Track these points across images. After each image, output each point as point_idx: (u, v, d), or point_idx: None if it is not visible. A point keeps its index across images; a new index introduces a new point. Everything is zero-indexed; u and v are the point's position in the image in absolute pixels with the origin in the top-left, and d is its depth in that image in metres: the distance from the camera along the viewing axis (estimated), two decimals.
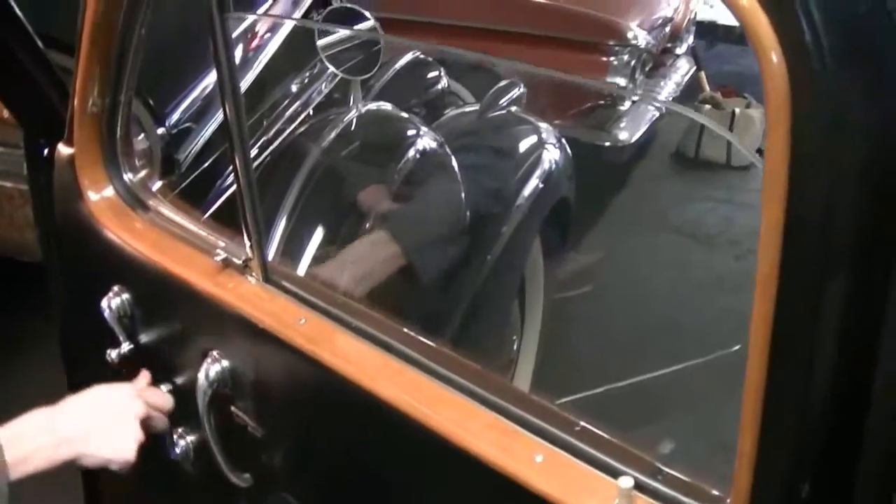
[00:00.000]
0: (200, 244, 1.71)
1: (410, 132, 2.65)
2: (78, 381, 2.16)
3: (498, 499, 1.23)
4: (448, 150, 2.72)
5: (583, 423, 1.22)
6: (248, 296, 1.56)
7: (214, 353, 1.60)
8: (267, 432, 1.59)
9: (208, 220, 1.87)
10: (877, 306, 0.81)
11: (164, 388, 1.78)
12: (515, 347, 3.22)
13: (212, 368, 1.59)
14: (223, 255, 1.61)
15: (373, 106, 2.71)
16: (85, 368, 2.12)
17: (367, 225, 2.39)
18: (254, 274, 1.59)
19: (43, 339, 2.47)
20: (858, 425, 0.86)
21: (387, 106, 2.81)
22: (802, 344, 0.86)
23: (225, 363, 1.59)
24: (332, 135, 2.50)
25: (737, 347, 1.28)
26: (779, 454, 0.93)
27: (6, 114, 2.11)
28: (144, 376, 1.77)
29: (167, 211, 1.83)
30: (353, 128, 2.57)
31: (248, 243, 1.58)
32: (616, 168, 5.30)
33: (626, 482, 1.09)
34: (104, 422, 1.60)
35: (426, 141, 2.65)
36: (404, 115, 2.78)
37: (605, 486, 1.12)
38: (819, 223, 0.80)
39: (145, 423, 1.66)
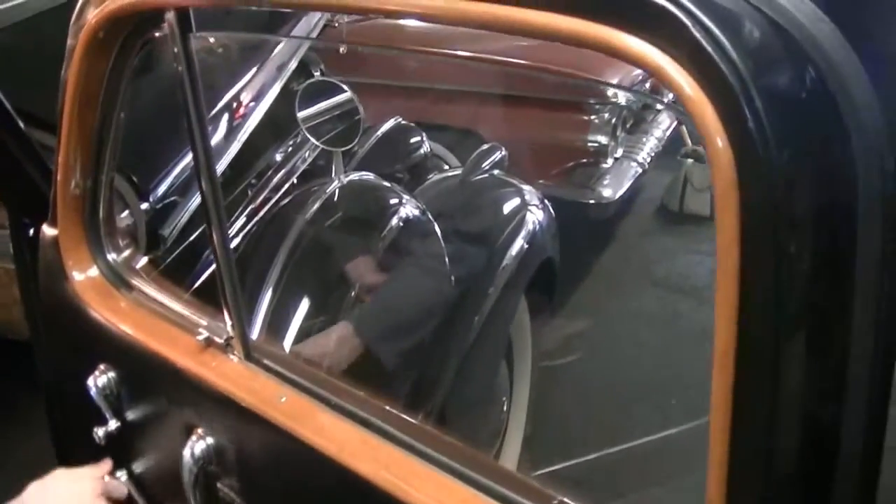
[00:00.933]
0: (183, 323, 1.73)
1: (393, 201, 2.68)
2: (67, 457, 2.19)
3: None
4: (430, 217, 2.74)
5: (560, 497, 1.23)
6: (230, 374, 1.58)
7: (199, 430, 1.61)
8: None
9: (191, 298, 1.88)
10: (834, 381, 0.83)
11: (123, 476, 1.86)
12: (505, 409, 3.23)
13: (197, 446, 1.60)
14: (205, 333, 1.64)
15: (354, 176, 2.74)
16: (73, 445, 2.14)
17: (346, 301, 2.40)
18: (236, 352, 1.61)
19: (31, 416, 2.48)
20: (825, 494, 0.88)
21: (369, 175, 2.83)
22: (762, 417, 0.87)
23: (210, 440, 1.61)
24: (315, 207, 2.52)
25: None
26: None
27: None
28: (106, 465, 1.84)
29: (151, 290, 1.85)
30: (335, 199, 2.59)
31: (229, 322, 1.60)
32: (601, 225, 5.32)
33: None
34: None
35: (409, 209, 2.67)
36: (386, 184, 2.80)
37: None
38: (771, 301, 0.82)
39: None
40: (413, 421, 1.46)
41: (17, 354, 2.49)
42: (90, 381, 1.83)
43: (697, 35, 0.83)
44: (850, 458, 0.88)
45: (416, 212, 2.70)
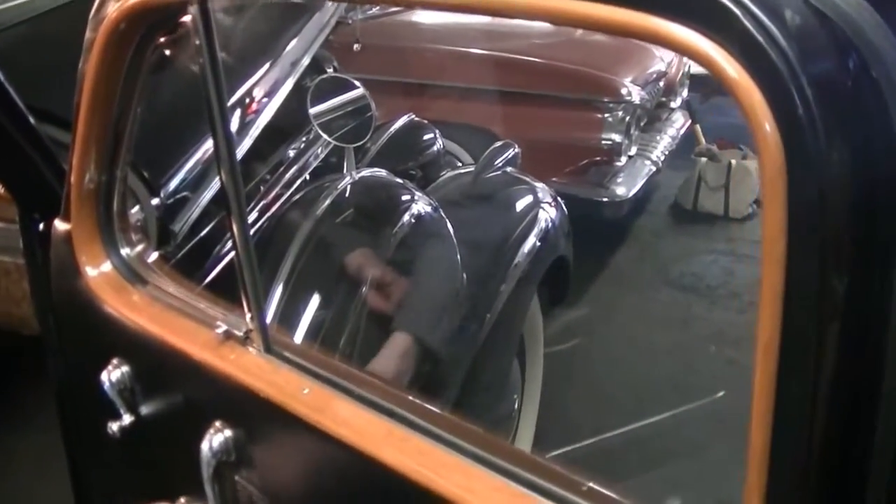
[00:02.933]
0: (200, 316, 1.70)
1: (405, 198, 2.66)
2: (78, 453, 2.17)
3: None
4: (443, 214, 2.73)
5: (590, 484, 1.21)
6: (250, 367, 1.55)
7: (217, 423, 1.58)
8: (272, 502, 1.58)
9: (208, 291, 1.86)
10: (876, 371, 0.82)
11: None
12: (516, 406, 3.21)
13: (215, 439, 1.57)
14: (224, 327, 1.61)
15: (367, 172, 2.72)
16: (85, 441, 2.12)
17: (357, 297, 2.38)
18: (255, 345, 1.58)
19: (40, 411, 2.46)
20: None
21: (381, 172, 2.82)
22: (804, 406, 0.86)
23: (228, 433, 1.58)
24: (326, 203, 2.50)
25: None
26: None
27: (1, 189, 2.10)
28: None
29: (165, 284, 1.83)
30: (346, 195, 2.57)
31: (248, 315, 1.57)
32: (614, 223, 5.32)
33: None
34: None
35: (421, 206, 2.65)
36: (398, 180, 2.79)
37: None
38: (817, 291, 0.81)
39: None
40: (438, 410, 1.43)
41: (27, 349, 2.47)
42: (103, 376, 1.80)
43: (746, 22, 0.83)
44: (889, 448, 0.87)
45: (429, 208, 2.68)
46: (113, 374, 1.81)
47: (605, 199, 4.89)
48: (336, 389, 1.46)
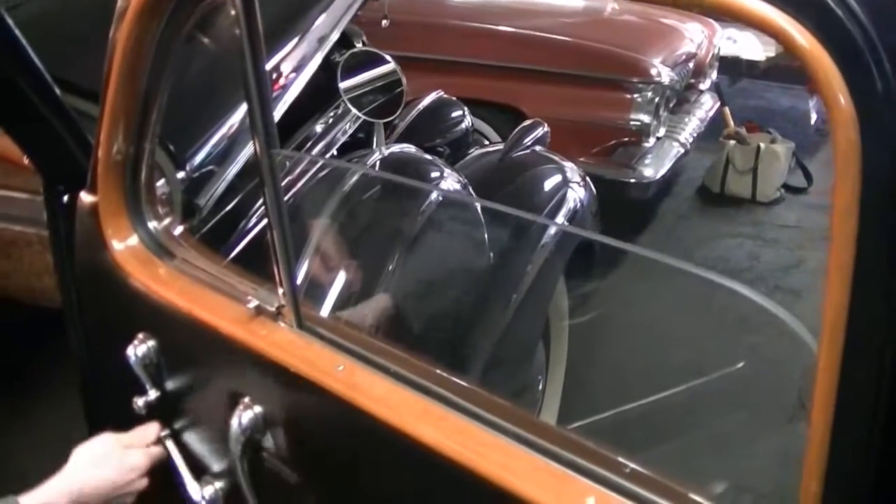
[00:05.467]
0: (230, 291, 1.67)
1: (434, 174, 2.63)
2: (101, 428, 2.14)
3: None
4: (471, 191, 2.69)
5: (633, 465, 1.18)
6: (282, 343, 1.52)
7: (246, 399, 1.56)
8: (301, 478, 1.56)
9: (237, 266, 1.83)
10: None
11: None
12: (541, 388, 3.18)
13: (244, 415, 1.55)
14: (255, 302, 1.58)
15: (396, 148, 2.69)
16: (109, 416, 2.10)
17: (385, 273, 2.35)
18: (287, 321, 1.55)
19: (62, 386, 2.44)
20: None
21: (410, 148, 2.78)
22: (872, 387, 0.86)
23: (258, 409, 1.55)
24: (356, 177, 2.47)
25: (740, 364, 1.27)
26: None
27: (26, 161, 2.08)
28: (154, 428, 1.81)
29: (193, 258, 1.80)
30: (376, 169, 2.54)
31: (280, 290, 1.54)
32: (640, 205, 5.28)
33: None
34: (111, 489, 1.70)
35: (449, 183, 2.62)
36: (427, 156, 2.76)
37: None
38: (888, 265, 0.78)
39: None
40: (476, 389, 1.40)
41: (48, 322, 2.44)
42: (129, 351, 1.78)
43: None
44: None
45: (457, 185, 2.64)
46: (139, 348, 1.78)
47: (631, 181, 4.84)
48: (371, 366, 1.44)
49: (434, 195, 2.51)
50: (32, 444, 3.27)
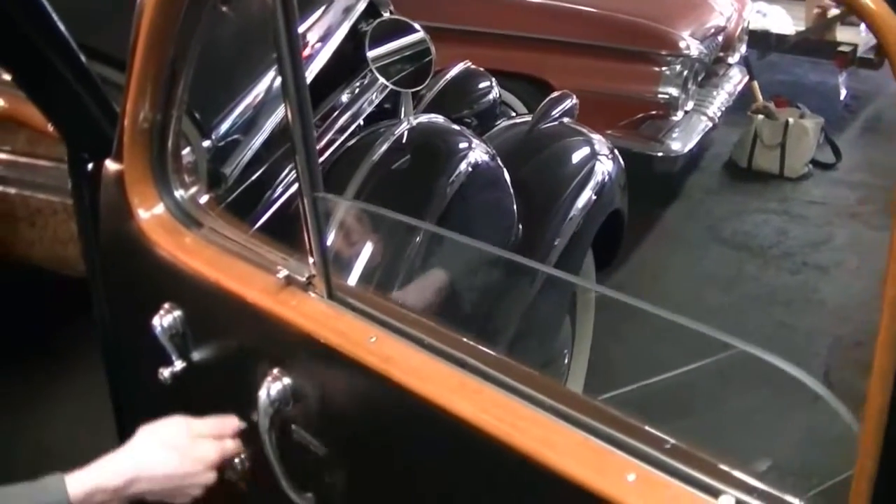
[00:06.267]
0: (259, 261, 1.64)
1: (462, 144, 2.60)
2: (124, 399, 2.13)
3: None
4: (500, 162, 2.66)
5: (673, 441, 1.15)
6: (312, 314, 1.50)
7: (275, 371, 1.54)
8: (331, 451, 1.54)
9: (266, 236, 1.80)
10: None
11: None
12: (566, 362, 3.16)
13: (273, 387, 1.52)
14: (285, 272, 1.56)
15: (424, 118, 2.66)
16: (132, 387, 2.08)
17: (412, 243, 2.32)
18: (318, 291, 1.53)
19: (84, 356, 2.43)
20: None
21: (438, 118, 2.75)
22: None
23: (286, 381, 1.53)
24: (384, 147, 2.44)
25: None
26: None
27: (50, 128, 2.06)
28: (231, 421, 1.70)
29: (221, 227, 1.78)
30: (404, 140, 2.51)
31: (311, 260, 1.52)
32: (667, 179, 5.24)
33: (727, 501, 1.03)
34: (171, 481, 1.60)
35: (478, 154, 2.59)
36: (456, 126, 2.72)
37: None
38: None
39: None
40: (512, 361, 1.37)
41: (72, 291, 2.42)
42: (155, 321, 1.76)
43: None
44: None
45: (486, 157, 2.61)
46: (164, 319, 1.76)
47: (658, 154, 4.80)
48: (404, 338, 1.41)
49: (463, 166, 2.49)
50: (55, 415, 3.27)
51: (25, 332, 3.36)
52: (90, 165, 1.97)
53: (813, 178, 5.82)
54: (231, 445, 1.67)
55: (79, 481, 1.48)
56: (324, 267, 1.51)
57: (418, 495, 1.45)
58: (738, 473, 1.10)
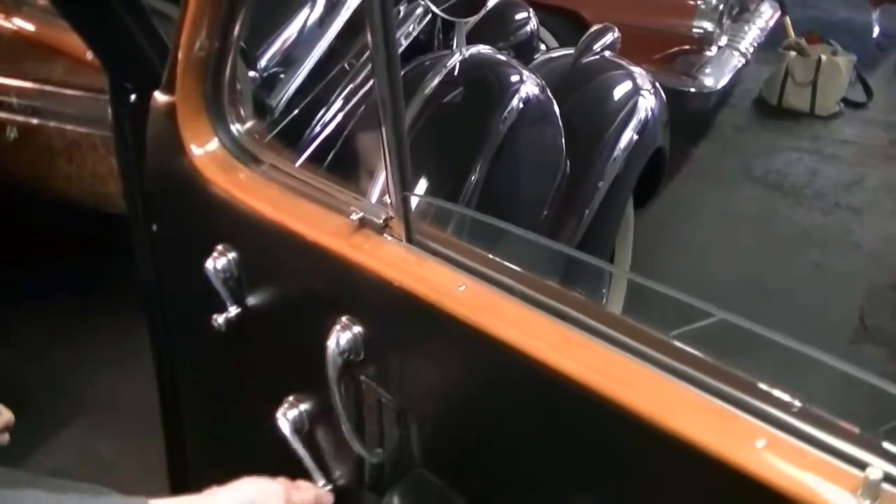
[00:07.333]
0: (327, 201, 1.52)
1: (514, 77, 2.48)
2: (168, 347, 2.03)
3: (712, 488, 1.05)
4: (550, 95, 2.55)
5: (798, 403, 1.03)
6: (390, 258, 1.38)
7: (345, 319, 1.43)
8: (406, 405, 1.43)
9: (334, 174, 1.69)
10: None
11: (321, 482, 1.60)
12: (603, 302, 3.06)
13: (343, 335, 1.42)
14: (359, 213, 1.43)
15: (474, 49, 2.52)
16: (179, 334, 1.99)
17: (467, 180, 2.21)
18: (395, 234, 1.41)
19: (122, 302, 2.34)
20: None
21: (488, 49, 2.62)
22: None
23: (357, 330, 1.42)
24: (436, 80, 2.31)
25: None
26: None
27: (90, 56, 1.94)
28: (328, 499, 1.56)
29: (283, 164, 1.66)
30: (456, 73, 2.38)
31: (390, 200, 1.39)
32: (698, 116, 5.14)
33: (874, 473, 0.92)
34: None
35: (529, 86, 2.47)
36: (507, 58, 2.60)
37: (841, 476, 0.95)
38: None
39: None
40: (620, 316, 1.24)
41: (113, 228, 2.32)
42: (208, 264, 1.65)
43: None
44: None
45: (538, 90, 2.49)
46: (219, 261, 1.66)
47: (692, 90, 4.70)
48: (496, 287, 1.29)
49: (516, 101, 2.37)
50: (85, 368, 3.18)
51: (63, 270, 3.26)
52: (133, 97, 1.86)
53: (844, 117, 5.72)
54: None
55: None
56: (403, 208, 1.39)
57: (509, 458, 1.34)
58: (885, 443, 0.98)
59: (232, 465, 1.77)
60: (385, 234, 1.42)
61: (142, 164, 1.84)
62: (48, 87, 2.72)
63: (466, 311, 1.26)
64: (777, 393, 1.05)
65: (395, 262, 1.38)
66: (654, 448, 1.09)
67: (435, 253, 1.38)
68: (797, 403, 1.03)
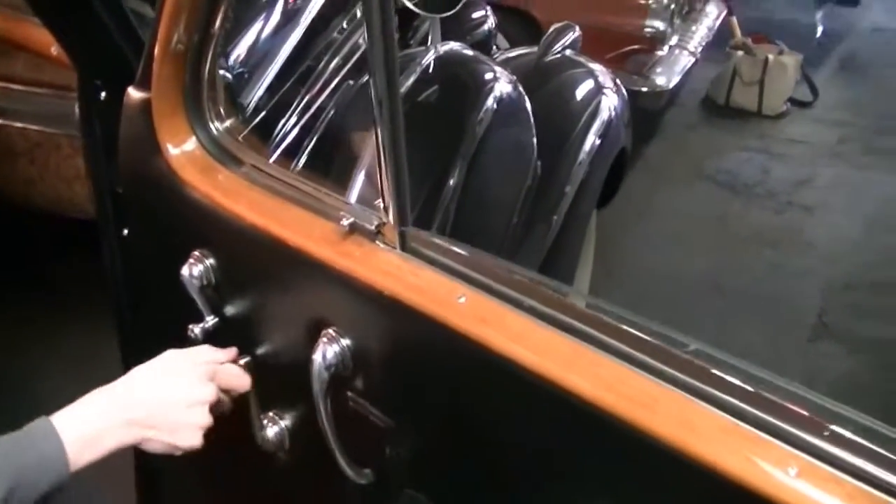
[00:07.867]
0: (314, 205, 1.44)
1: (488, 75, 2.40)
2: (137, 357, 1.93)
3: None
4: (522, 91, 2.48)
5: (832, 427, 0.95)
6: (384, 267, 1.30)
7: (331, 331, 1.35)
8: (397, 424, 1.35)
9: (320, 176, 1.60)
10: None
11: (243, 361, 1.55)
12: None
13: (329, 348, 1.33)
14: (350, 218, 1.35)
15: (447, 46, 2.45)
16: (151, 344, 1.88)
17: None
18: (388, 241, 1.33)
19: (87, 309, 2.23)
20: None
21: (462, 46, 2.55)
22: None
23: (345, 343, 1.34)
24: (411, 80, 2.23)
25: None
26: None
27: (55, 51, 1.84)
28: (230, 353, 1.52)
29: (266, 166, 1.57)
30: (431, 71, 2.30)
31: (384, 205, 1.31)
32: (647, 115, 5.13)
33: None
34: (172, 407, 1.38)
35: (503, 83, 2.40)
36: (482, 56, 2.53)
37: None
38: None
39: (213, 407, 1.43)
40: (633, 329, 1.15)
41: (77, 235, 2.22)
42: (184, 270, 1.56)
43: None
44: None
45: (510, 86, 2.42)
46: (195, 268, 1.57)
47: (644, 89, 4.70)
48: (499, 298, 1.21)
49: (491, 99, 2.30)
50: (55, 367, 3.06)
51: (25, 280, 3.13)
52: (104, 93, 1.76)
53: (791, 116, 5.78)
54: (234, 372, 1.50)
55: (68, 420, 1.28)
56: (398, 213, 1.31)
57: (512, 484, 1.26)
58: None
59: (210, 484, 1.69)
60: (377, 242, 1.35)
61: (113, 165, 1.74)
62: (8, 85, 2.59)
63: (468, 325, 1.18)
64: (810, 415, 0.98)
65: (388, 270, 1.30)
66: (675, 474, 1.02)
67: (432, 262, 1.30)
68: (831, 427, 0.96)
